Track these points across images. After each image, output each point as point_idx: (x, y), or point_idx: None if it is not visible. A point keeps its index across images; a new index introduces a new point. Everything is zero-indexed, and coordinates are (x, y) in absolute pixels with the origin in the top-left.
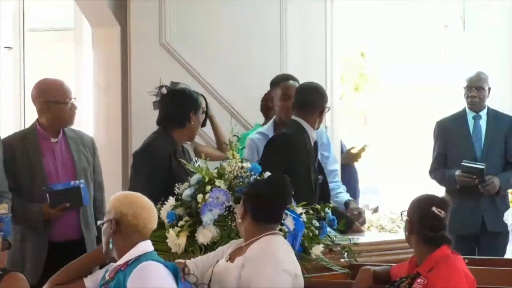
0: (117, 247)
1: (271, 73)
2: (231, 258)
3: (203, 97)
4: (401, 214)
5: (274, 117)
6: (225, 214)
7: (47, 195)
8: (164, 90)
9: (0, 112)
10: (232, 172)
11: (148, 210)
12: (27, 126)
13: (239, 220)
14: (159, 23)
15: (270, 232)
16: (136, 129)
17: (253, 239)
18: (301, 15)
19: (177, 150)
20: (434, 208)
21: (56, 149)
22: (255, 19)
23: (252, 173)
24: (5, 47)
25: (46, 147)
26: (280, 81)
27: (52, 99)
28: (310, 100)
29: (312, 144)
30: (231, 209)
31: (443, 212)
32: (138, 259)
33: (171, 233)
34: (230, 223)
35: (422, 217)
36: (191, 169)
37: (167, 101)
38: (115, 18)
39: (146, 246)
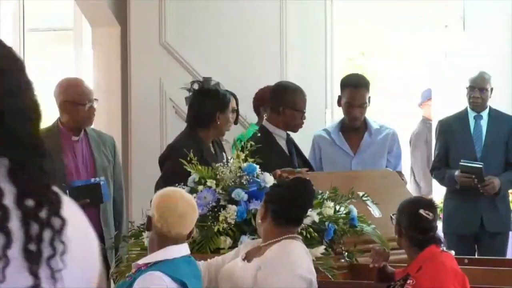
0: (149, 244)
1: (271, 73)
2: (247, 257)
3: (234, 95)
4: (391, 217)
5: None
6: (207, 214)
7: (67, 191)
8: (196, 86)
9: None
10: (223, 173)
11: (176, 215)
12: None
13: (259, 221)
14: (159, 23)
15: (290, 235)
16: (136, 129)
17: (272, 240)
18: (301, 15)
19: (205, 149)
20: (421, 211)
21: (77, 147)
22: (255, 19)
23: (245, 173)
24: None
25: (67, 144)
26: (347, 86)
27: (69, 99)
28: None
29: (285, 142)
30: (215, 209)
31: (431, 214)
32: (156, 264)
33: (147, 233)
34: (210, 223)
35: (411, 220)
36: (189, 169)
37: (194, 101)
38: (115, 18)
39: (173, 252)
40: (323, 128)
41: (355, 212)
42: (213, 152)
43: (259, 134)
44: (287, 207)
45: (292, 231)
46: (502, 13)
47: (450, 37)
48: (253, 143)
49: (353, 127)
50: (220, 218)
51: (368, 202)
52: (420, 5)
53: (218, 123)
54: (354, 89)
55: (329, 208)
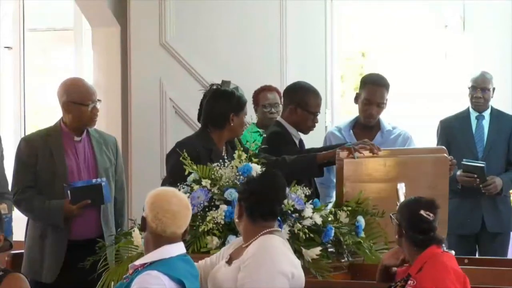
0: (145, 244)
1: (271, 73)
2: (231, 259)
3: None
4: (391, 217)
5: (358, 115)
6: (198, 213)
7: (68, 192)
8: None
9: (0, 112)
10: (216, 172)
11: (170, 215)
12: (27, 126)
13: (237, 220)
14: (159, 23)
15: (267, 230)
16: (136, 129)
17: (251, 240)
18: (301, 15)
19: (214, 150)
20: (422, 212)
21: (79, 148)
22: (255, 19)
23: (240, 173)
24: (5, 47)
25: (69, 145)
26: (368, 83)
27: (73, 100)
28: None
29: (298, 141)
30: (206, 210)
31: (431, 214)
32: (153, 264)
33: (136, 232)
34: (198, 223)
35: (411, 221)
36: (189, 170)
37: (209, 101)
38: (115, 18)
39: (169, 251)
40: (336, 125)
41: (362, 222)
42: (224, 154)
43: (264, 135)
44: (258, 202)
45: (269, 225)
46: (502, 13)
47: (450, 37)
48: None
49: (367, 125)
50: (208, 218)
51: (401, 194)
52: (420, 5)
53: (232, 124)
54: (374, 86)
55: (342, 217)
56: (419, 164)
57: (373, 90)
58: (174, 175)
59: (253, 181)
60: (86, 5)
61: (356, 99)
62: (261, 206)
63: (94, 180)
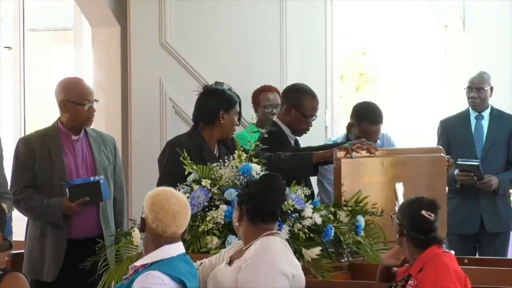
0: (144, 245)
1: (271, 73)
2: (232, 261)
3: (237, 95)
4: (391, 216)
5: (349, 134)
6: (198, 213)
7: (67, 189)
8: None
9: (0, 112)
10: (216, 172)
11: (170, 215)
12: (27, 126)
13: (236, 224)
14: (159, 23)
15: (268, 232)
16: (136, 129)
17: (252, 242)
18: (301, 15)
19: (205, 148)
20: (423, 212)
21: (77, 147)
22: (255, 19)
23: (240, 173)
24: (5, 47)
25: (67, 144)
26: (364, 121)
27: (70, 99)
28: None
29: (293, 142)
30: (206, 210)
31: (432, 215)
32: (153, 264)
33: (136, 232)
34: (197, 223)
35: (412, 221)
36: (189, 170)
37: (200, 98)
38: (115, 18)
39: (169, 251)
40: (331, 139)
41: (362, 222)
42: (216, 153)
43: (266, 135)
44: (259, 205)
45: (270, 227)
46: (502, 13)
47: (450, 37)
48: (260, 144)
49: None
50: (208, 218)
51: (399, 194)
52: (420, 5)
53: (222, 122)
54: (371, 126)
55: (342, 217)
56: (416, 163)
57: (369, 129)
58: (169, 174)
59: (253, 184)
60: (86, 5)
61: (349, 128)
62: (261, 209)
63: (92, 178)
